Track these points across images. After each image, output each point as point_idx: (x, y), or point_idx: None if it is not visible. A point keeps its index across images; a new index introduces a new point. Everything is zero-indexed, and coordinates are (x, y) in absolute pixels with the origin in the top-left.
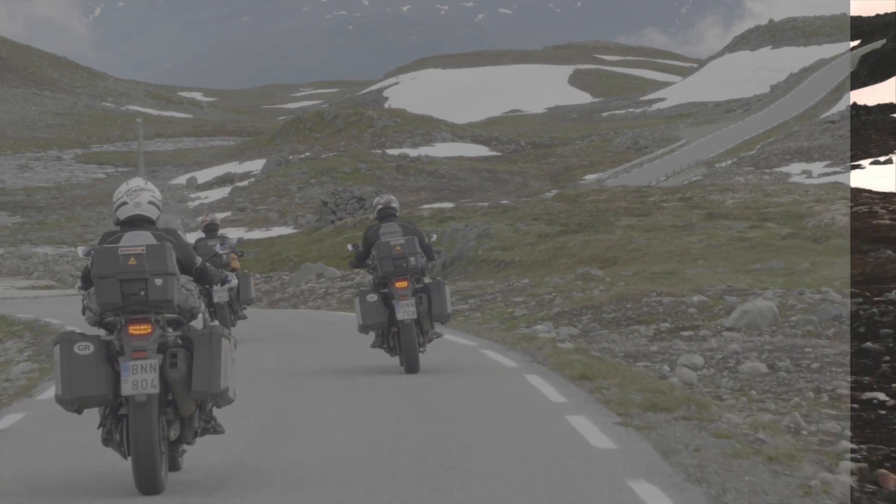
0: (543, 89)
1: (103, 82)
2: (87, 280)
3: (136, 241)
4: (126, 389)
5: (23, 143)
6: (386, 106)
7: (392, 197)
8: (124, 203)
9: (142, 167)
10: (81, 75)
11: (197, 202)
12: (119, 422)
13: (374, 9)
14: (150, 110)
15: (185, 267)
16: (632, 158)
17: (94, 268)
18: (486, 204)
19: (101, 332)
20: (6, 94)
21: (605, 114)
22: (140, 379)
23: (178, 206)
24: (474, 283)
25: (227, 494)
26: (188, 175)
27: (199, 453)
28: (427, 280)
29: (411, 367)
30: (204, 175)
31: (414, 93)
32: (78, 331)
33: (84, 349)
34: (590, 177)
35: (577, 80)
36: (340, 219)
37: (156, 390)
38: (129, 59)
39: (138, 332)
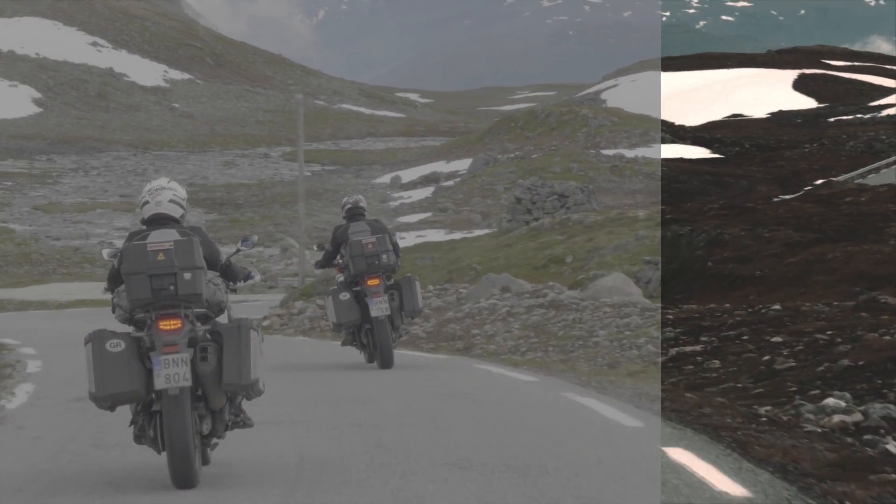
0: (766, 94)
1: (317, 80)
2: (113, 281)
3: (163, 238)
4: (159, 383)
5: (231, 140)
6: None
7: (360, 197)
8: (147, 202)
9: (301, 151)
10: (295, 72)
11: (398, 202)
12: (152, 418)
13: (595, 14)
14: (363, 109)
15: (211, 263)
16: (867, 163)
17: (123, 265)
18: (716, 204)
19: (131, 330)
20: (218, 91)
21: (832, 119)
22: (172, 373)
23: (378, 207)
24: (704, 307)
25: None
26: (392, 174)
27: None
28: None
29: (386, 362)
30: (409, 174)
31: (632, 95)
32: (108, 328)
33: (115, 346)
34: (821, 182)
35: (801, 85)
36: (536, 219)
37: (188, 383)
38: (350, 61)
39: (168, 326)
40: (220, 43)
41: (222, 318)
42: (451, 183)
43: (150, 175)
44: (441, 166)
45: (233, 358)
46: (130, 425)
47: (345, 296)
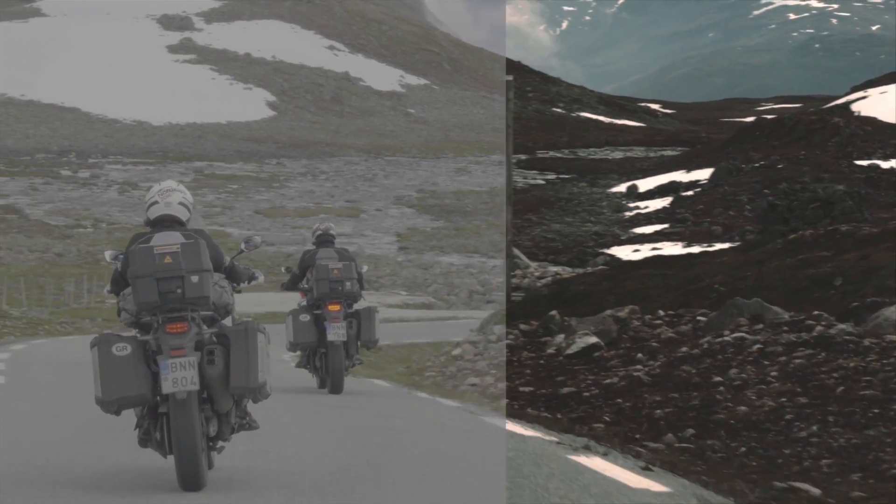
0: None
1: (555, 87)
2: (116, 284)
3: (168, 240)
4: (167, 387)
5: (465, 147)
6: None
7: (331, 224)
8: (155, 202)
9: (509, 140)
10: (534, 80)
11: (634, 212)
12: (158, 421)
13: (843, 27)
14: (601, 118)
15: (216, 265)
16: None
17: (130, 268)
18: None
19: (137, 333)
20: (454, 97)
21: None
22: (180, 376)
23: (612, 217)
24: None
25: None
26: (629, 183)
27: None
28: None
29: (335, 387)
30: (646, 184)
31: (884, 107)
32: (113, 332)
33: (122, 350)
34: None
35: None
36: (794, 230)
37: (196, 387)
38: (592, 73)
39: (176, 329)
40: (457, 48)
41: (227, 321)
42: (690, 193)
43: (380, 181)
44: (680, 176)
45: (240, 361)
46: (135, 429)
47: (304, 317)
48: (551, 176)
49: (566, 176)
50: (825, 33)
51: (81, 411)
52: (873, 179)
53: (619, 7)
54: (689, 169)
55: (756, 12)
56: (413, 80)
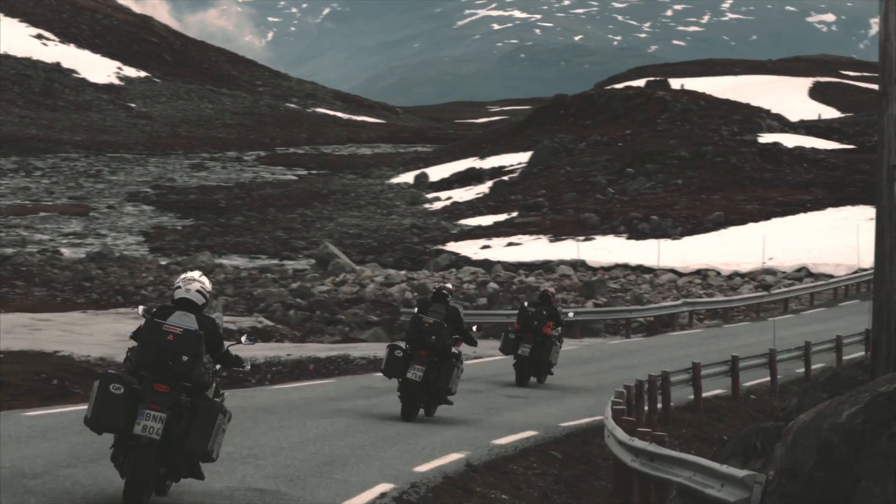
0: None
1: (287, 82)
2: (135, 335)
3: (179, 323)
4: (136, 430)
5: (197, 143)
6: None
7: (449, 285)
8: (179, 287)
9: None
10: (263, 74)
11: (439, 203)
12: (125, 450)
13: (547, 38)
14: (339, 114)
15: (212, 348)
16: None
17: (142, 332)
18: None
19: (133, 380)
20: (178, 90)
21: None
22: (149, 425)
23: (413, 209)
24: None
25: None
26: (415, 172)
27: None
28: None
29: (403, 415)
30: (435, 173)
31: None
32: (116, 373)
33: (117, 389)
34: None
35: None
36: None
37: (158, 437)
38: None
39: (160, 389)
40: (178, 39)
41: (210, 392)
42: (507, 179)
43: (106, 177)
44: (475, 162)
45: (199, 429)
46: (111, 448)
47: (398, 353)
48: (302, 172)
49: (318, 171)
50: (529, 43)
51: None
52: (771, 154)
53: (323, 17)
54: (482, 155)
55: (460, 23)
56: (132, 72)
